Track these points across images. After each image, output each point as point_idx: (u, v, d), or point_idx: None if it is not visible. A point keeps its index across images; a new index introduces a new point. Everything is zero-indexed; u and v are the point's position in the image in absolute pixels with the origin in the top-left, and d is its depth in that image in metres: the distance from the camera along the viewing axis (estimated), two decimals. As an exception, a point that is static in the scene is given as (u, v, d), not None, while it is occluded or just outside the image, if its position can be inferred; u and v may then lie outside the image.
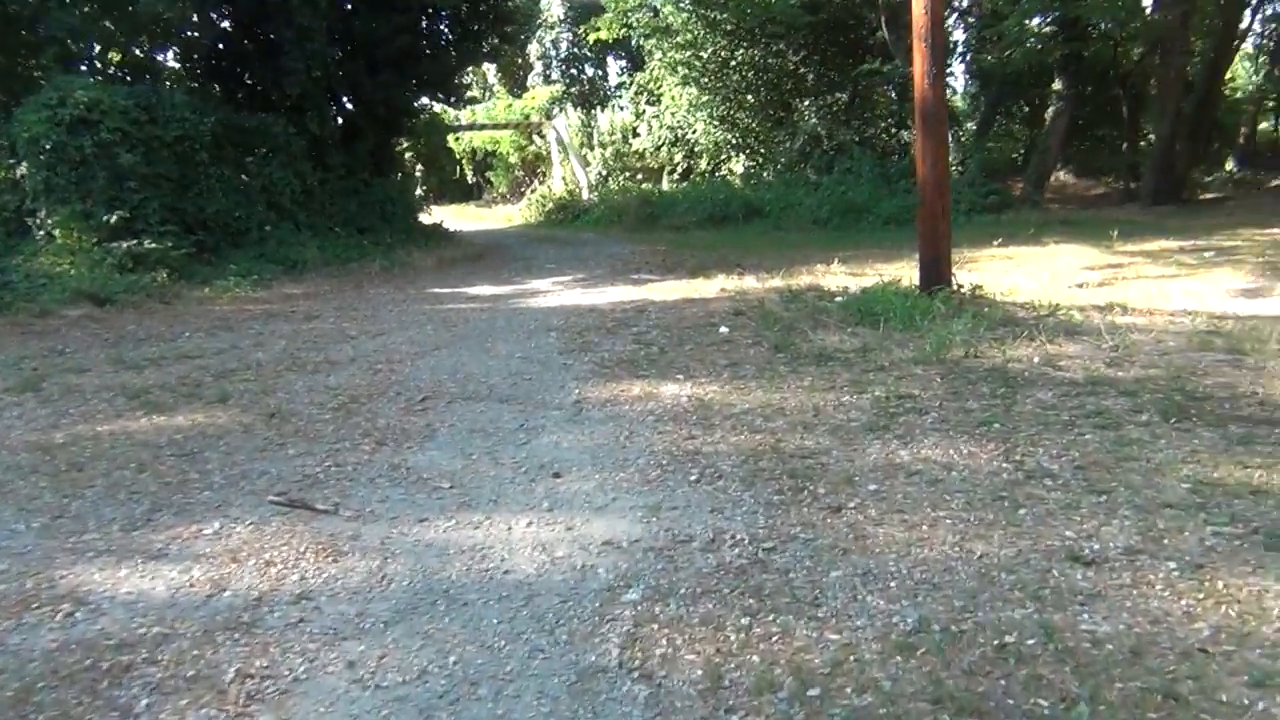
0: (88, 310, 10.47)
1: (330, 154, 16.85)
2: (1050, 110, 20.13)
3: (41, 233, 12.59)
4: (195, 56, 16.85)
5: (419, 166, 40.84)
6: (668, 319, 8.36)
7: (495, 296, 11.01)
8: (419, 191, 43.84)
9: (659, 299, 9.78)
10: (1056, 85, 19.73)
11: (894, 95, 23.16)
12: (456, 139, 33.92)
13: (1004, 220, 16.78)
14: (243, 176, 15.19)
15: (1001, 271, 10.62)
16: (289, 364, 7.13)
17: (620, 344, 7.32)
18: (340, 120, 17.89)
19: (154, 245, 12.35)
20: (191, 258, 13.12)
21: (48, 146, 12.32)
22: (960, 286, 7.67)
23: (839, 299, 8.40)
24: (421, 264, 14.92)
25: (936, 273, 7.53)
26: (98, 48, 15.59)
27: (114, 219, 12.38)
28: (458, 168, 36.57)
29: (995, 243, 12.71)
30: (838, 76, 23.72)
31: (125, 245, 12.13)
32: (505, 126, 31.69)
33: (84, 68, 16.03)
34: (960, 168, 20.86)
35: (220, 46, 16.71)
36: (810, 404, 5.19)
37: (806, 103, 23.55)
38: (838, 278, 10.42)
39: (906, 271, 10.54)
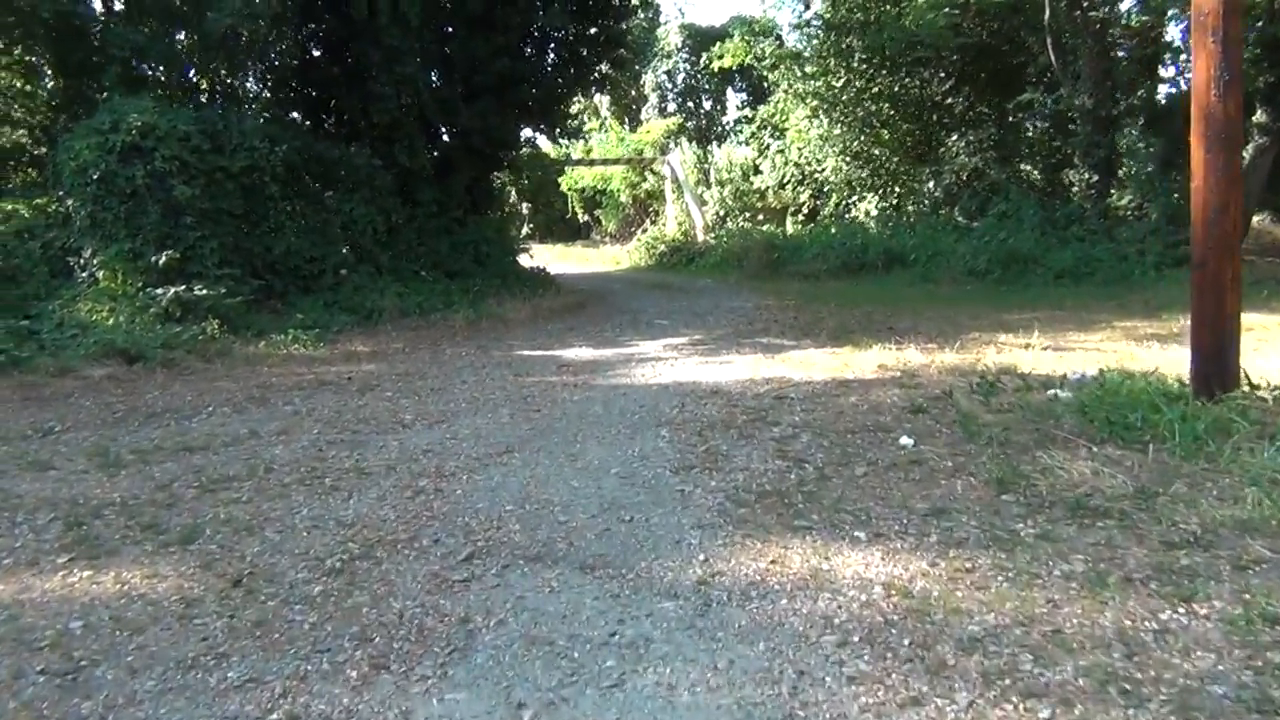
0: (114, 369, 8.98)
1: (420, 189, 15.41)
2: (1250, 146, 17.40)
3: (85, 274, 11.29)
4: (275, 80, 15.61)
5: (525, 204, 39.86)
6: (820, 415, 6.29)
7: (594, 364, 9.12)
8: (525, 230, 43.01)
9: (801, 377, 7.73)
10: (1258, 117, 17.02)
11: (1051, 129, 20.67)
12: (565, 175, 32.56)
13: (1207, 276, 14.15)
14: (320, 214, 13.79)
15: (1248, 350, 8.21)
16: (306, 472, 5.32)
17: (759, 456, 5.29)
18: (433, 152, 16.45)
19: (206, 291, 10.88)
20: (250, 306, 11.63)
21: (95, 176, 11.06)
22: (1256, 387, 5.40)
23: (1061, 394, 6.20)
24: (514, 315, 13.18)
25: (1221, 367, 5.28)
26: (168, 70, 14.41)
27: (163, 259, 10.99)
28: (566, 206, 35.16)
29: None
30: (989, 109, 21.37)
31: (173, 291, 10.68)
32: (616, 162, 30.14)
33: (161, 92, 15.00)
34: (1137, 211, 18.28)
35: (304, 70, 15.41)
36: (1104, 623, 3.07)
37: (954, 137, 21.25)
38: (1035, 354, 8.19)
39: (1123, 347, 8.34)
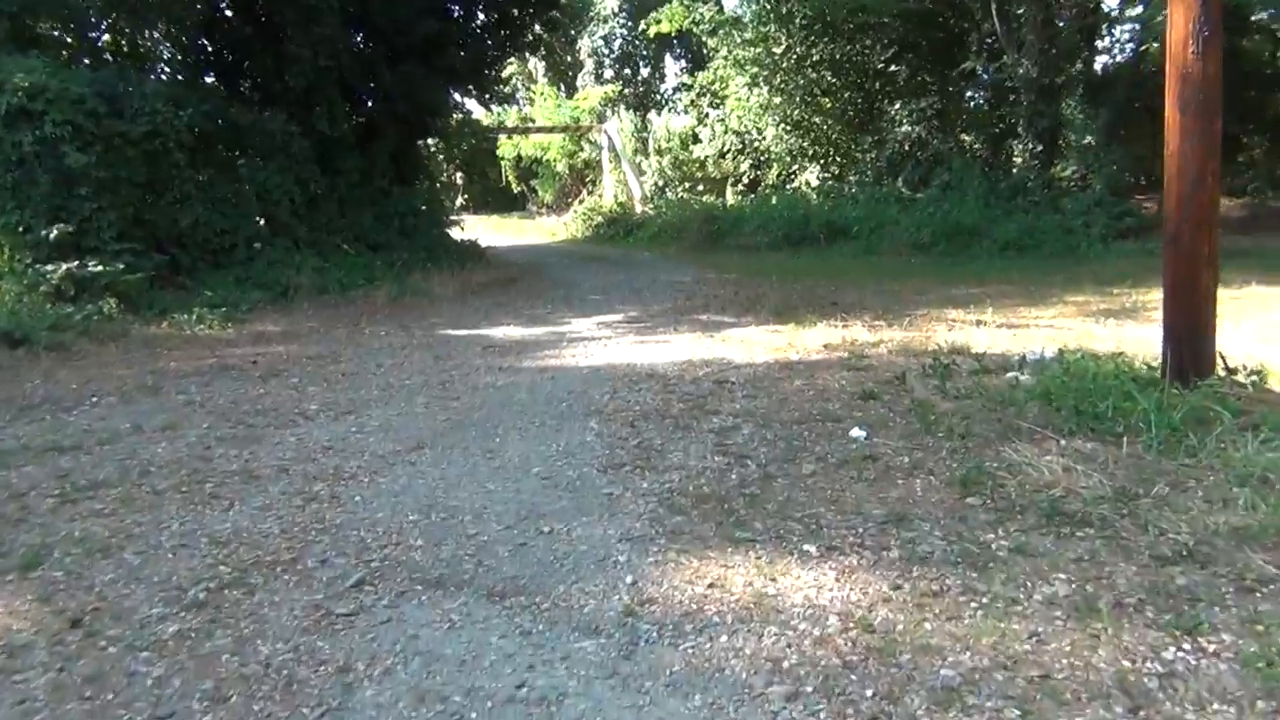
0: (-6, 354, 8.19)
1: (342, 157, 14.62)
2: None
3: (-31, 250, 10.41)
4: (183, 41, 14.67)
5: (458, 174, 38.87)
6: (763, 402, 5.81)
7: (521, 345, 8.55)
8: (459, 201, 42.02)
9: (743, 360, 7.25)
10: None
11: (993, 99, 20.39)
12: (500, 143, 31.69)
13: (1151, 250, 13.98)
14: (232, 183, 12.97)
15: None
16: (186, 476, 4.70)
17: (696, 452, 4.79)
18: (355, 118, 15.64)
19: (102, 267, 10.08)
20: (152, 283, 10.85)
21: (-22, 143, 10.16)
22: (1233, 371, 5.02)
23: (1020, 377, 5.79)
24: (441, 291, 12.54)
25: (1196, 350, 4.89)
26: (64, 28, 13.44)
27: (54, 233, 10.17)
28: (501, 176, 34.29)
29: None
30: (931, 77, 21.05)
31: (65, 267, 9.87)
32: (552, 130, 29.37)
33: (60, 53, 14.02)
34: (1080, 183, 18.12)
35: (213, 30, 14.49)
36: (1100, 665, 2.62)
37: (896, 106, 20.88)
38: (988, 332, 7.80)
39: (1078, 324, 7.99)
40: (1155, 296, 9.72)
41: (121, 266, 10.26)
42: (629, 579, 3.30)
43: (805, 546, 3.51)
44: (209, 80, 15.00)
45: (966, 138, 20.36)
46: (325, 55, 13.90)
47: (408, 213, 15.80)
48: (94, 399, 6.61)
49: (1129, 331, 7.69)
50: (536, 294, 12.57)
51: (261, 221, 13.00)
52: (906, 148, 19.99)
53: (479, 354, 8.11)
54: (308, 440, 5.35)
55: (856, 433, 4.88)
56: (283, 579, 3.44)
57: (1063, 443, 4.50)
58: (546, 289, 13.12)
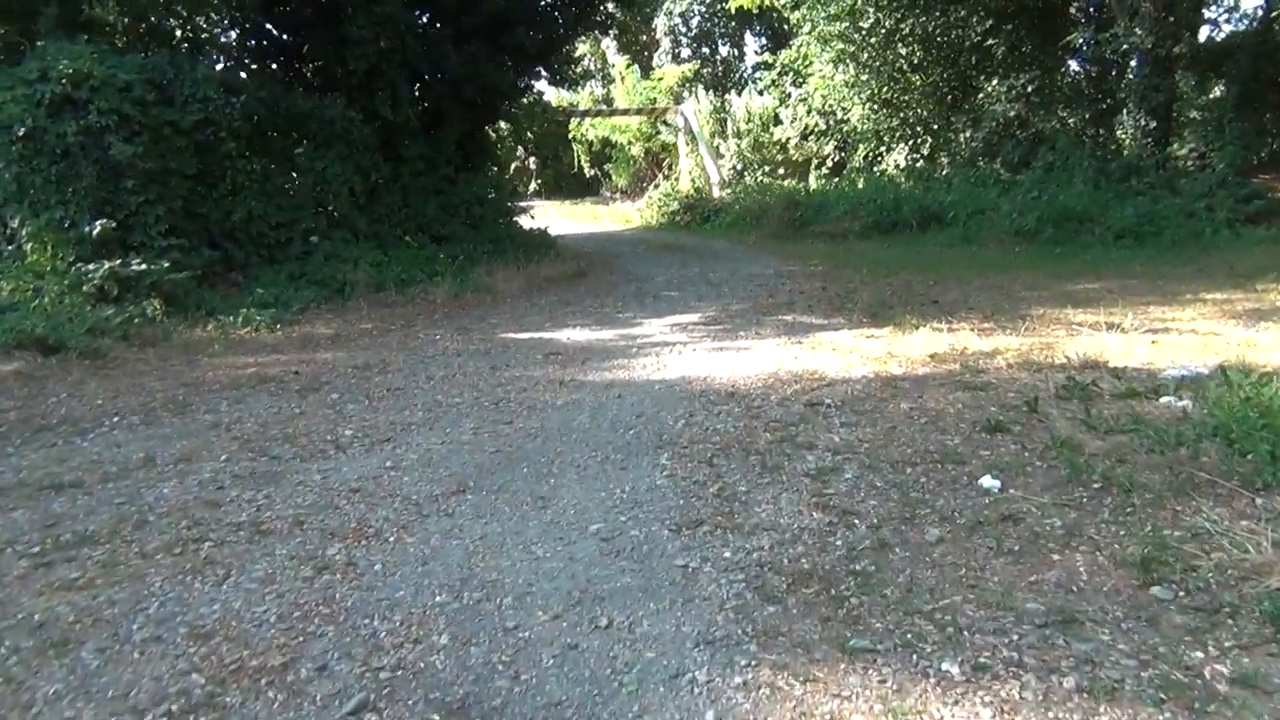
0: (26, 362, 7.72)
1: (405, 144, 14.04)
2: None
3: (10, 247, 10.01)
4: (240, 24, 14.16)
5: (531, 159, 38.38)
6: (867, 432, 4.93)
7: (587, 352, 7.77)
8: (532, 186, 41.56)
9: (837, 372, 6.36)
10: (1342, 53, 15.35)
11: (1098, 73, 18.96)
12: (573, 126, 30.98)
13: (1286, 236, 12.69)
14: (288, 173, 12.47)
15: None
16: (185, 530, 4.02)
17: (790, 504, 3.96)
18: (420, 103, 15.02)
19: (147, 265, 9.58)
20: (201, 280, 10.36)
21: (20, 133, 9.75)
22: None
23: (1177, 402, 4.83)
24: (505, 287, 11.83)
25: None
26: (119, 11, 13.01)
27: (98, 229, 9.70)
28: (574, 160, 33.60)
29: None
30: (1032, 50, 19.69)
31: (108, 266, 9.38)
32: (627, 112, 28.53)
33: (115, 38, 13.65)
34: (1198, 162, 16.69)
35: (271, 11, 13.94)
36: None
37: (994, 82, 19.60)
38: (1121, 340, 6.78)
39: (1227, 329, 6.97)
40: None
41: (168, 264, 9.76)
42: (710, 716, 2.49)
43: (944, 665, 2.65)
44: (268, 65, 14.46)
45: (1068, 115, 18.91)
46: (387, 36, 13.31)
47: (474, 202, 15.15)
48: (114, 418, 6.02)
49: (1296, 340, 6.61)
50: (606, 289, 11.79)
51: (318, 213, 12.43)
52: (1004, 126, 18.70)
53: (539, 363, 7.35)
54: (334, 479, 4.63)
55: (988, 482, 3.99)
56: (266, 696, 2.70)
57: (1259, 502, 3.56)
58: (617, 283, 12.33)
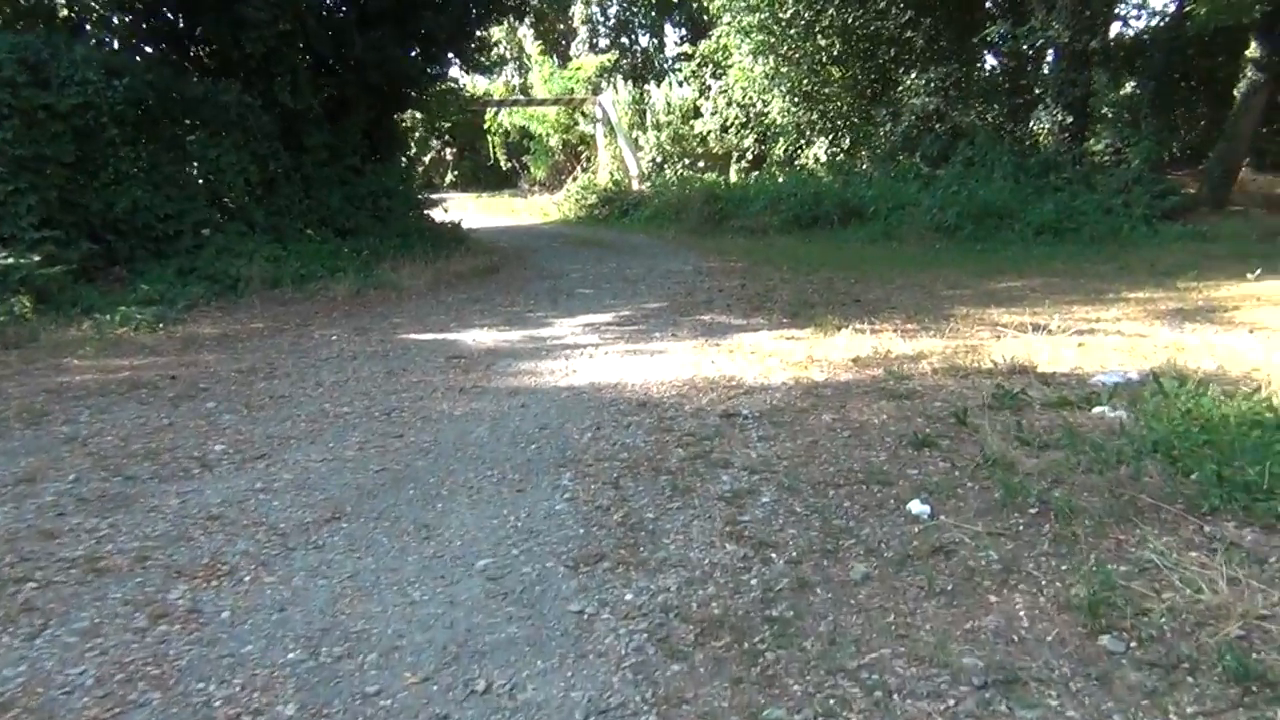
0: None
1: (308, 132, 13.36)
2: (1243, 85, 15.93)
3: None
4: (135, 6, 13.32)
5: (448, 150, 37.55)
6: (786, 447, 4.58)
7: (492, 356, 7.31)
8: (449, 178, 40.68)
9: (756, 379, 6.01)
10: (1253, 50, 15.53)
11: (1015, 67, 19.01)
12: (492, 116, 30.28)
13: (1203, 234, 12.74)
14: (178, 162, 11.73)
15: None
16: (5, 567, 3.49)
17: (701, 534, 3.58)
18: (324, 90, 14.34)
19: (14, 260, 8.85)
20: (79, 276, 9.65)
21: None
22: None
23: (1116, 414, 4.57)
24: (411, 283, 11.27)
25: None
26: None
27: (-42, 221, 8.91)
28: (490, 150, 32.91)
29: (1250, 275, 8.84)
30: (950, 43, 19.69)
31: (-31, 260, 8.63)
32: (544, 103, 27.97)
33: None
34: (1114, 157, 16.81)
35: (161, -10, 13.15)
36: None
37: (912, 75, 19.54)
38: (1048, 342, 6.55)
39: (1153, 330, 6.79)
40: (1228, 292, 8.57)
41: (39, 258, 9.01)
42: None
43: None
44: (160, 47, 13.63)
45: (985, 110, 18.93)
46: (286, 18, 12.63)
47: (381, 194, 14.52)
48: (-50, 434, 5.39)
49: (1220, 339, 6.46)
50: (518, 286, 11.31)
51: (212, 205, 11.72)
52: (923, 120, 18.64)
53: (440, 368, 6.87)
54: (193, 503, 4.13)
55: (917, 507, 3.66)
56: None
57: (1207, 529, 3.29)
58: (530, 280, 11.86)
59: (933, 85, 19.04)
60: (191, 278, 10.61)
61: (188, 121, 12.17)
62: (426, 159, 39.77)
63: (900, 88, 19.75)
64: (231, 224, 11.75)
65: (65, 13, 12.69)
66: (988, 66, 19.77)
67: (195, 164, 11.84)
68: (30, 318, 8.53)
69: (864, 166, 19.00)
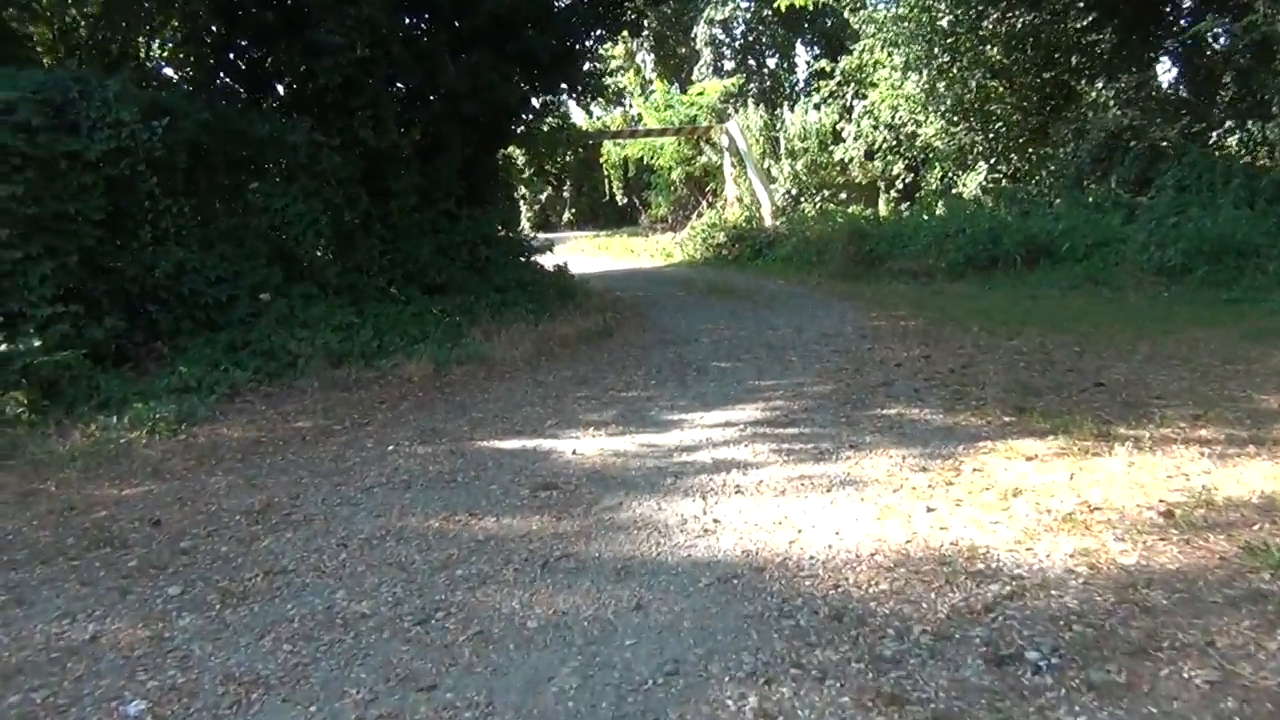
0: None
1: (395, 175, 11.70)
2: None
3: None
4: (186, 35, 11.96)
5: (565, 186, 36.19)
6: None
7: (596, 481, 5.26)
8: (566, 216, 39.30)
9: (1018, 561, 3.77)
10: None
11: (1245, 71, 16.18)
12: (607, 149, 28.62)
13: None
14: (234, 215, 10.21)
15: None
16: None
17: None
18: (412, 124, 12.76)
19: (11, 346, 7.28)
20: (102, 358, 8.09)
21: None
22: None
23: None
24: (506, 355, 9.39)
25: None
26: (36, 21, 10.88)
27: (-55, 298, 7.41)
28: (607, 186, 31.27)
29: None
30: (1142, 46, 17.01)
31: (-43, 348, 7.09)
32: (664, 132, 26.11)
33: (42, 55, 11.64)
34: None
35: (228, 19, 11.71)
36: None
37: (1099, 85, 16.90)
38: None
39: None
40: None
41: (38, 344, 7.41)
42: None
43: None
44: (224, 82, 12.22)
45: (1192, 123, 16.09)
46: (365, 43, 11.03)
47: (479, 242, 12.75)
48: None
49: None
50: (635, 357, 9.27)
51: (274, 265, 10.08)
52: (1114, 137, 15.96)
53: (521, 507, 4.86)
54: None
55: None
56: None
57: None
58: (650, 347, 9.81)
59: (1123, 96, 16.36)
60: (244, 354, 8.95)
61: (251, 167, 10.67)
62: (543, 196, 38.57)
63: (1084, 101, 17.12)
64: (298, 286, 10.09)
65: (114, 49, 11.36)
66: (1192, 70, 16.89)
67: (255, 216, 10.27)
68: (26, 420, 6.93)
69: (1043, 195, 16.41)
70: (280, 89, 12.41)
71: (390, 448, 6.27)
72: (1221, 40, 14.85)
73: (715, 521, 4.44)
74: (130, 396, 7.60)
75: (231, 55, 12.24)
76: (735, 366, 8.43)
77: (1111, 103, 16.39)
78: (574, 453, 5.91)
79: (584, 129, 22.46)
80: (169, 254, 9.03)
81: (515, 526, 4.58)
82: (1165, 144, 15.06)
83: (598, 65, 15.67)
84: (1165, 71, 18.57)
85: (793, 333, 10.00)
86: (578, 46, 13.88)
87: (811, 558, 3.92)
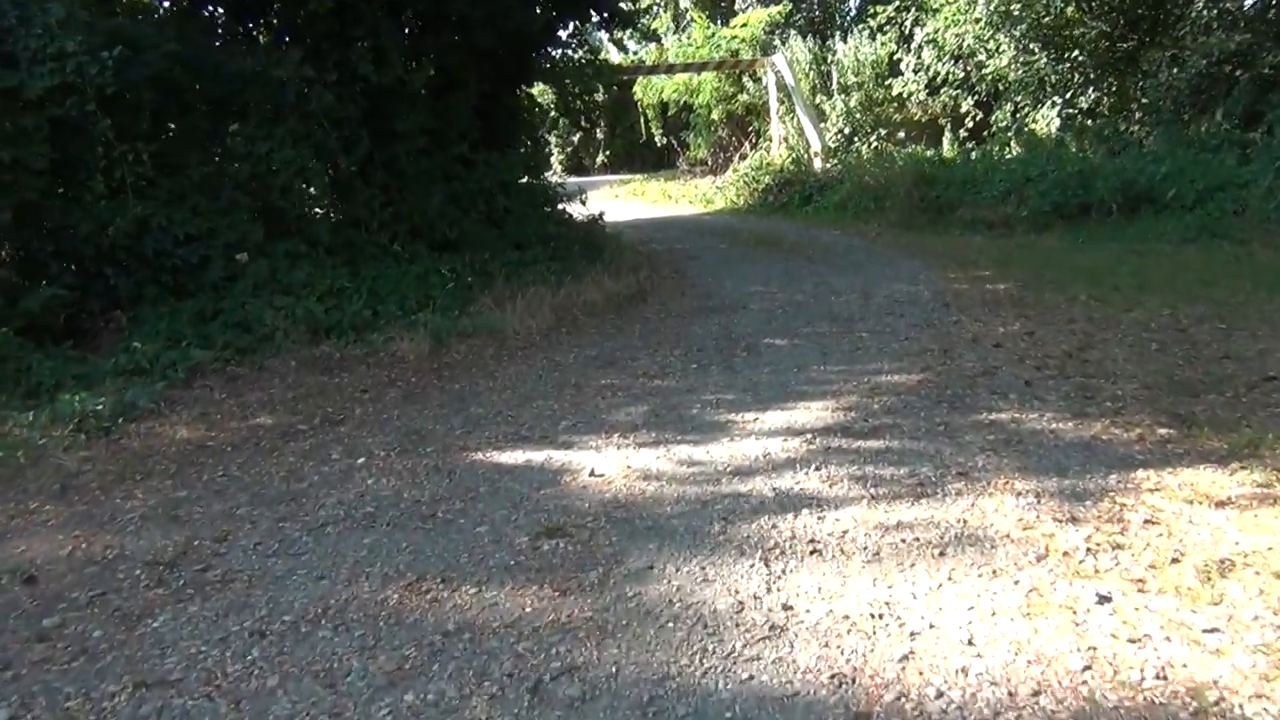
0: None
1: (401, 115, 10.34)
2: None
3: None
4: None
5: (599, 126, 34.64)
6: None
7: (620, 522, 3.95)
8: (599, 159, 37.70)
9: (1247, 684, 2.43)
10: None
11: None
12: (642, 85, 26.94)
13: None
14: (208, 163, 8.92)
15: None
16: None
17: None
18: (418, 57, 11.39)
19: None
20: (41, 331, 6.92)
21: None
22: None
23: None
24: (522, 326, 8.08)
25: None
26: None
27: None
28: (643, 126, 29.60)
29: None
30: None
31: None
32: (705, 66, 24.36)
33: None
34: None
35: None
36: None
37: (1198, 5, 15.06)
38: None
39: None
40: None
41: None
42: None
43: None
44: (203, 10, 10.86)
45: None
46: (363, -39, 9.67)
47: (497, 190, 11.36)
48: None
49: None
50: (672, 331, 7.89)
51: (256, 219, 8.79)
52: (1218, 65, 14.18)
53: (514, 576, 3.55)
54: None
55: None
56: None
57: None
58: (690, 317, 8.43)
59: (1226, 16, 14.52)
60: (213, 325, 7.72)
61: (234, 108, 9.34)
62: (575, 139, 36.99)
63: (1180, 23, 15.28)
64: (283, 244, 8.78)
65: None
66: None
67: (238, 163, 8.96)
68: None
69: (1133, 132, 14.69)
70: (272, 18, 11.03)
71: (360, 460, 4.99)
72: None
73: (785, 610, 3.11)
74: (67, 382, 6.40)
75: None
76: (793, 345, 7.04)
77: (1215, 24, 14.55)
78: (592, 473, 4.59)
79: (617, 66, 20.82)
80: (126, 208, 7.77)
81: (502, 607, 3.29)
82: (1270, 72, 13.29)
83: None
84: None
85: (859, 298, 8.57)
86: (606, -37, 12.34)
87: (939, 694, 2.58)
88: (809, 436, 4.89)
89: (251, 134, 9.02)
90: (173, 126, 8.88)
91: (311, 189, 9.32)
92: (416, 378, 6.72)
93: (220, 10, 10.81)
